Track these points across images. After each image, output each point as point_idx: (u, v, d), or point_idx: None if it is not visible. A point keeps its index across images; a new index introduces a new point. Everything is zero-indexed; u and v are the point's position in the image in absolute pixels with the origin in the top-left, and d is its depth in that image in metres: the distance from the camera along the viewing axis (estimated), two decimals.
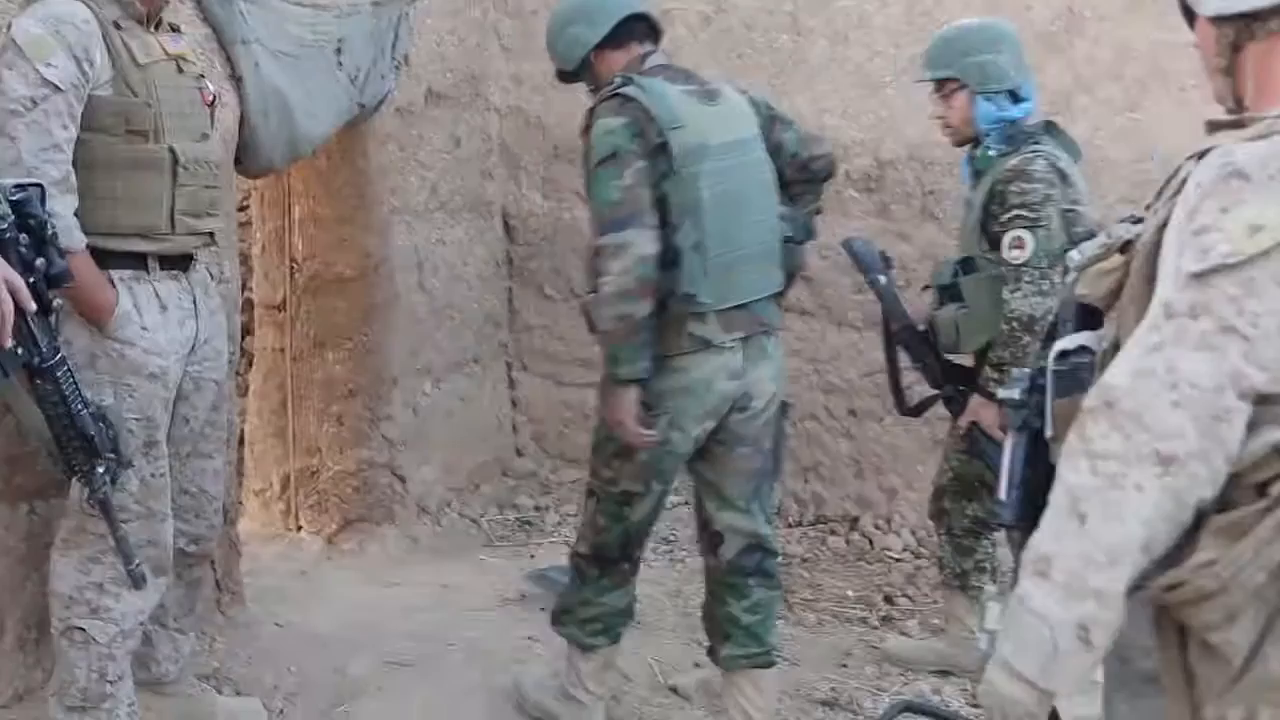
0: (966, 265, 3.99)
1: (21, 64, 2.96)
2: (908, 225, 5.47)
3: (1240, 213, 1.69)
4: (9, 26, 3.07)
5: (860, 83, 5.47)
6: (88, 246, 3.04)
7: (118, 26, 3.13)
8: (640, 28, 3.73)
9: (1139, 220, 1.95)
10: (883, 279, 4.11)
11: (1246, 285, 1.68)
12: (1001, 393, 2.13)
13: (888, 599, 4.96)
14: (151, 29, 3.25)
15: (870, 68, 5.41)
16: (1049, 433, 2.00)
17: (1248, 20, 1.87)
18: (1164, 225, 1.80)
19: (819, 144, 3.87)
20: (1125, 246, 1.95)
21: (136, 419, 3.17)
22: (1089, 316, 2.01)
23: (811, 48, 5.56)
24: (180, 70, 3.29)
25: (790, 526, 5.59)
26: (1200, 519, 1.73)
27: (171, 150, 3.19)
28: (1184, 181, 1.80)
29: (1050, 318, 3.74)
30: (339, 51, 4.59)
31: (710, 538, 3.76)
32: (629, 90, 3.52)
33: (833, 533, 5.53)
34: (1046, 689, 1.75)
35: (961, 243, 4.11)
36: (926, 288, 4.21)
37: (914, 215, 5.47)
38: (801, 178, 3.83)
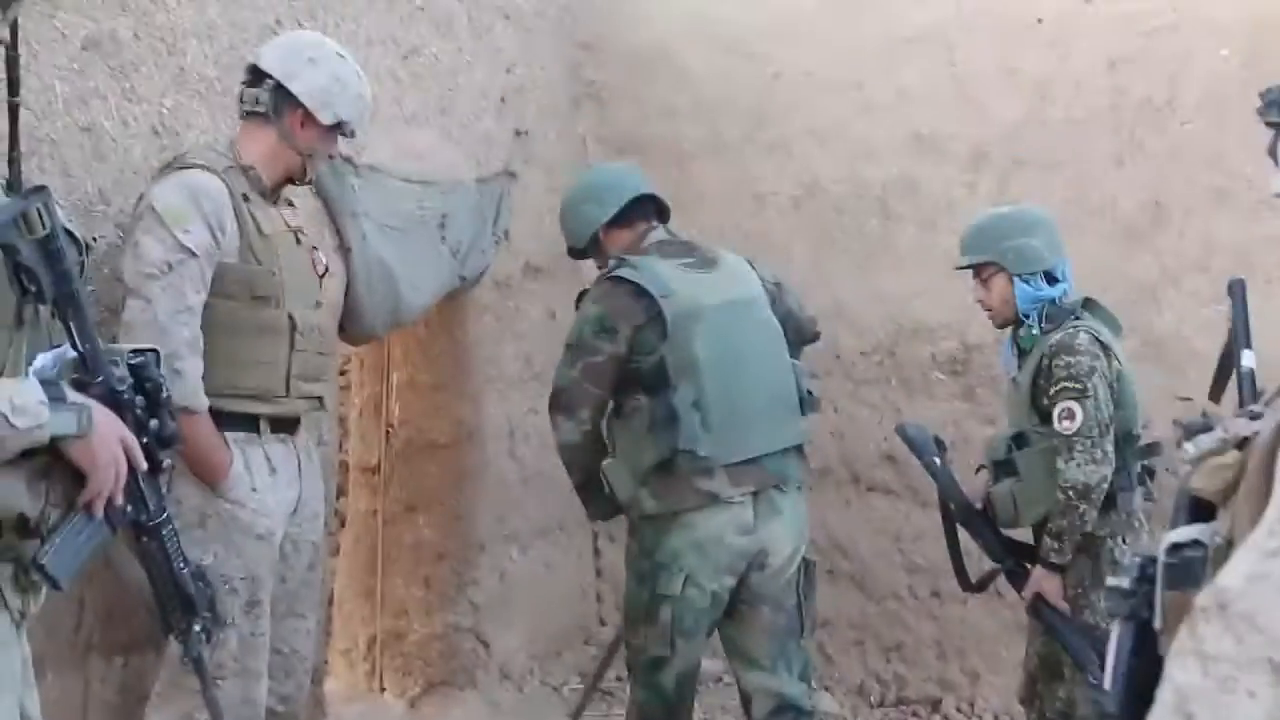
0: (1019, 440, 4.04)
1: (160, 230, 3.11)
2: (992, 409, 5.48)
3: None
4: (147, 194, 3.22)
5: (947, 267, 5.52)
6: None
7: (245, 199, 3.28)
8: (648, 207, 3.90)
9: (1257, 416, 1.96)
10: (937, 460, 4.16)
11: None
12: (1110, 581, 2.12)
13: None
14: (273, 202, 3.40)
15: (957, 253, 5.48)
16: (1157, 624, 1.99)
17: None
18: None
19: (807, 309, 4.15)
20: (1242, 442, 1.96)
21: (242, 578, 3.23)
22: (1201, 510, 2.02)
23: (900, 232, 5.65)
24: (298, 241, 3.43)
25: (872, 707, 5.52)
26: None
27: (291, 316, 3.31)
28: None
29: (1105, 486, 3.81)
30: (443, 225, 4.74)
31: (743, 698, 3.78)
32: (622, 272, 3.68)
33: (915, 715, 5.43)
34: None
35: (1011, 419, 4.17)
36: (981, 468, 4.24)
37: (999, 399, 5.49)
38: (796, 340, 4.02)
